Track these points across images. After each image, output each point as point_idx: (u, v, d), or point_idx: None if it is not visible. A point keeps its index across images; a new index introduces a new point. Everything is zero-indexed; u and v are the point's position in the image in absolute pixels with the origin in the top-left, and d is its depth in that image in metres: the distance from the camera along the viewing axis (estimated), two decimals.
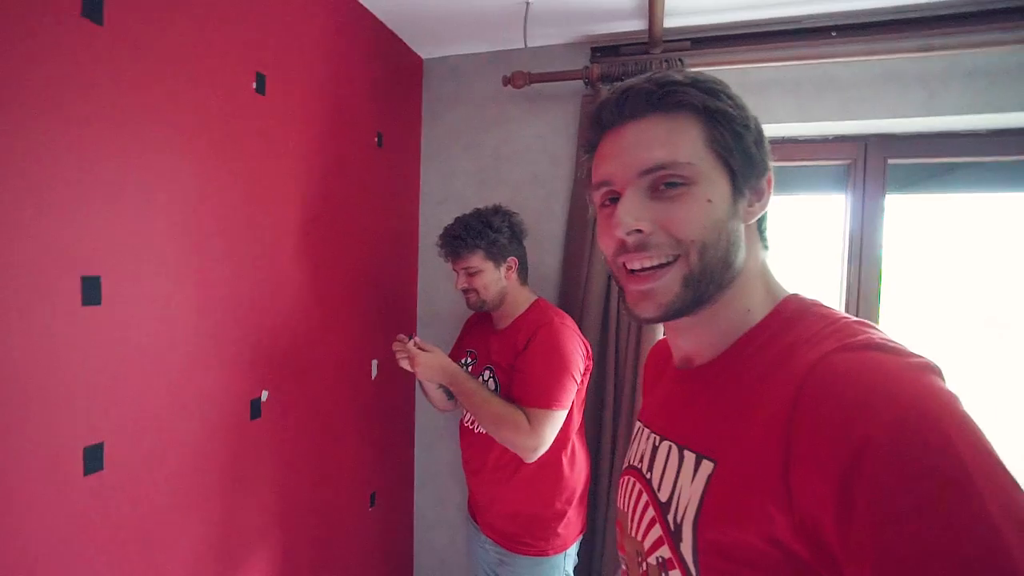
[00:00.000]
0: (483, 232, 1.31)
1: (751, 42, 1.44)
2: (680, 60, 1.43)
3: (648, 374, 0.76)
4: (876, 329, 0.46)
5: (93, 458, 0.80)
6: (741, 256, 0.53)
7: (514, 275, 1.36)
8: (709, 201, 0.50)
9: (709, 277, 0.51)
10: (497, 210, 1.37)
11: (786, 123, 1.47)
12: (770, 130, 1.51)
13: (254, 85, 1.11)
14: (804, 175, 1.60)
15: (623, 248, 0.53)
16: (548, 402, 1.19)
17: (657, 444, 0.58)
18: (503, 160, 1.75)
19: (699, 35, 1.49)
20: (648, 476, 0.57)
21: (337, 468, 1.48)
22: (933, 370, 0.40)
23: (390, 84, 1.65)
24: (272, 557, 1.23)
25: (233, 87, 1.06)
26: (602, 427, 1.54)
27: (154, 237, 0.91)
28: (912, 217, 1.53)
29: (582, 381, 1.28)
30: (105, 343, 0.83)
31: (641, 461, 0.60)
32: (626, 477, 0.63)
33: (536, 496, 1.27)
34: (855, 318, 0.49)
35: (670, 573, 0.50)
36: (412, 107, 1.80)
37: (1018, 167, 1.44)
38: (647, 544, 0.54)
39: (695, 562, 0.47)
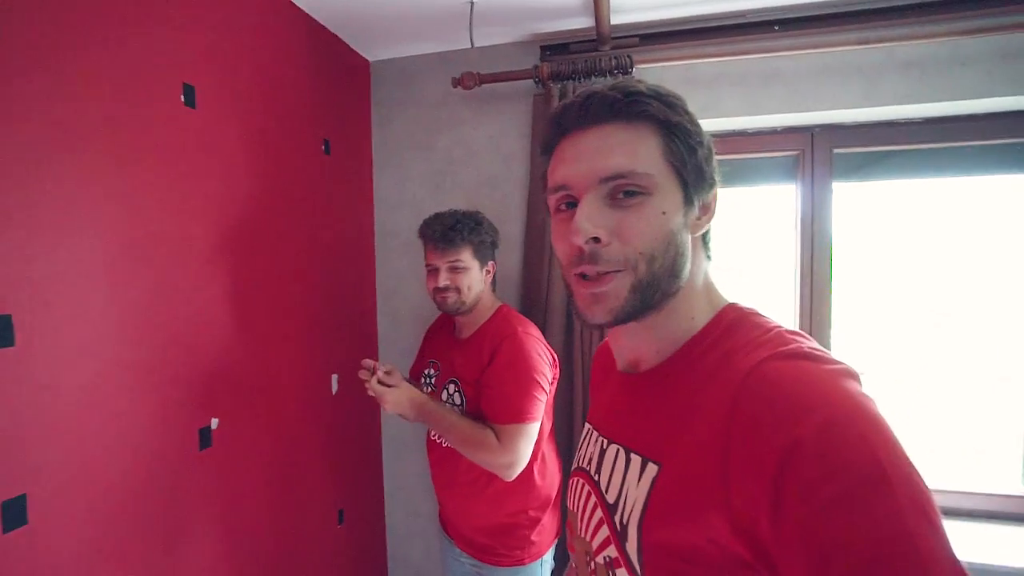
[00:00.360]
0: (476, 229, 1.27)
1: (697, 37, 1.44)
2: (629, 57, 1.43)
3: (595, 375, 0.77)
4: (806, 338, 0.49)
5: (14, 513, 0.73)
6: (687, 267, 0.54)
7: (490, 280, 1.33)
8: (664, 213, 0.51)
9: (656, 286, 0.52)
10: (479, 213, 1.34)
11: (735, 116, 1.48)
12: (720, 124, 1.53)
13: (182, 98, 1.05)
14: (757, 167, 1.62)
15: (580, 257, 0.52)
16: (519, 417, 1.16)
17: (605, 447, 0.59)
18: (457, 163, 1.72)
19: (647, 31, 1.49)
20: (596, 478, 0.59)
21: (301, 489, 1.43)
22: (852, 375, 0.44)
23: (335, 89, 1.59)
24: None
25: (158, 101, 0.99)
26: (572, 427, 1.54)
27: (74, 266, 0.84)
28: (857, 202, 1.58)
29: (550, 390, 1.26)
30: (21, 386, 0.76)
31: (589, 463, 0.61)
32: (575, 479, 0.65)
33: (508, 507, 1.25)
34: (787, 327, 0.51)
35: (617, 572, 0.52)
36: (361, 111, 1.74)
37: (948, 153, 1.50)
38: (595, 544, 0.56)
39: (640, 561, 0.49)
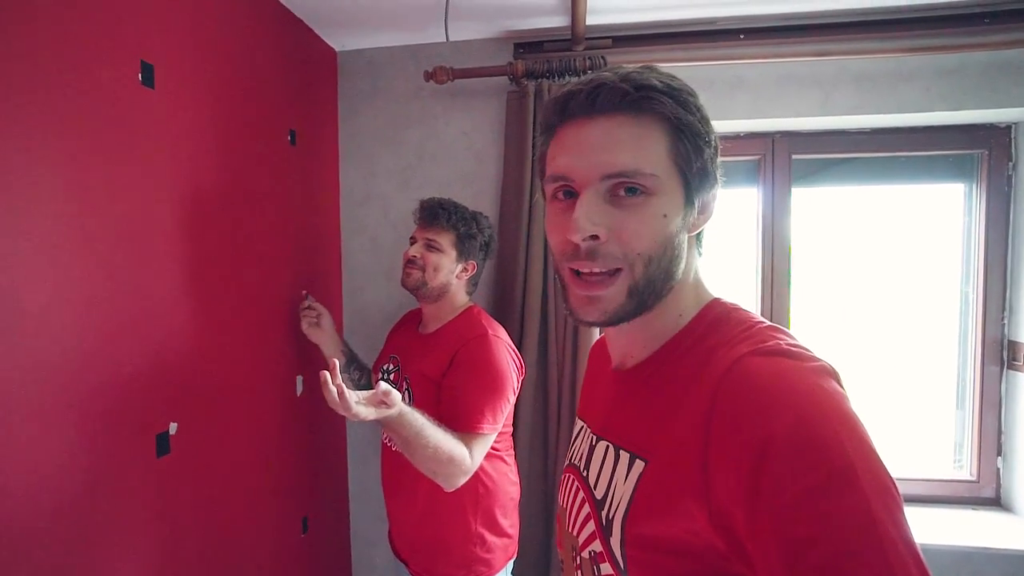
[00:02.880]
0: (466, 221, 1.26)
1: (669, 41, 1.48)
2: (603, 58, 1.45)
3: (589, 369, 0.77)
4: (786, 335, 0.50)
5: None
6: (682, 267, 0.54)
7: (466, 279, 1.30)
8: (664, 215, 0.51)
9: (651, 288, 0.52)
10: (480, 214, 1.33)
11: None
12: None
13: (140, 76, 0.97)
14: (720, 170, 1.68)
15: (576, 252, 0.51)
16: (480, 425, 1.11)
17: (594, 443, 0.60)
18: (427, 159, 1.68)
19: (620, 33, 1.51)
20: (585, 474, 0.59)
21: (263, 496, 1.35)
22: (829, 373, 0.45)
23: (302, 78, 1.52)
24: None
25: (112, 78, 0.91)
26: (547, 431, 1.52)
27: (15, 258, 0.76)
28: (811, 206, 1.67)
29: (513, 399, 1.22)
30: None
31: (580, 460, 0.62)
32: (566, 475, 0.65)
33: (450, 522, 1.18)
34: (768, 323, 0.52)
35: (601, 566, 0.53)
36: (328, 103, 1.68)
37: (891, 162, 1.62)
38: (581, 539, 0.57)
39: (622, 554, 0.50)
